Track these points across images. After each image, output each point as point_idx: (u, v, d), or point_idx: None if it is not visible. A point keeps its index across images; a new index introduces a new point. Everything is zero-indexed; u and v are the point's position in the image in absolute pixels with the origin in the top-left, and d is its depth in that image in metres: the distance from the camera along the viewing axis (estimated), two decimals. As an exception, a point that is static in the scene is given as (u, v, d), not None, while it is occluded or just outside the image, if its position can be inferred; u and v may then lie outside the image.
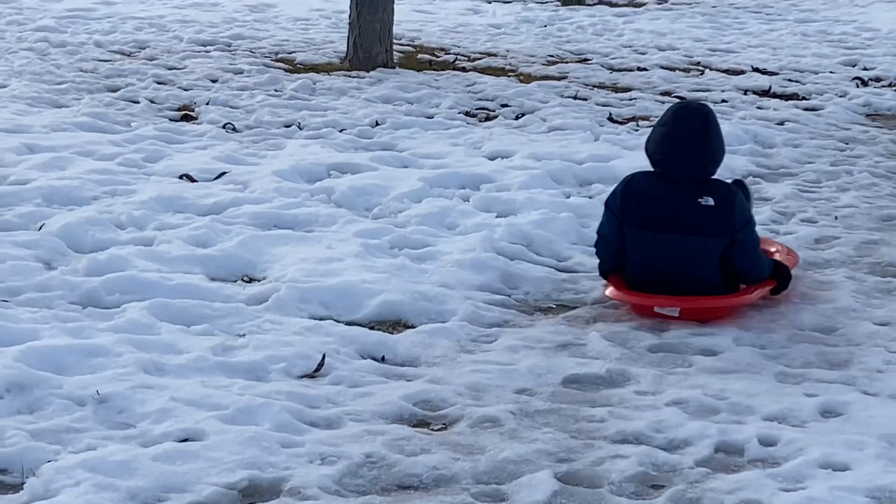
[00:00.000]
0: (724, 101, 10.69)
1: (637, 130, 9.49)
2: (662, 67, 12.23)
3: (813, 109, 10.54)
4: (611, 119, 9.95)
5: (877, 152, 9.20)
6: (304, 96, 10.33)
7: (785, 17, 15.85)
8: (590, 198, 7.61)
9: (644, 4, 17.22)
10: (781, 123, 9.95)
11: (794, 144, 9.35)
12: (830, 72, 12.16)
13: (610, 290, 5.82)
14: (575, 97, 10.71)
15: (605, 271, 5.96)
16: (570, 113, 10.00)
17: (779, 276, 5.94)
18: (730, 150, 8.88)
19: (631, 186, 5.90)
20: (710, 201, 5.75)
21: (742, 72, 12.14)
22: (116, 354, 4.93)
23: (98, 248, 6.21)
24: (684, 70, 12.22)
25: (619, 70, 12.13)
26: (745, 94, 11.11)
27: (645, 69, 12.12)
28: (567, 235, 6.85)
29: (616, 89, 11.19)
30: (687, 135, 5.79)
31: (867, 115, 10.53)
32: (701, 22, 15.30)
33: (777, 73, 12.08)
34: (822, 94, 11.14)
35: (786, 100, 10.95)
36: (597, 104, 10.50)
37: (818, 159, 8.95)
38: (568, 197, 7.62)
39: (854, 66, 12.46)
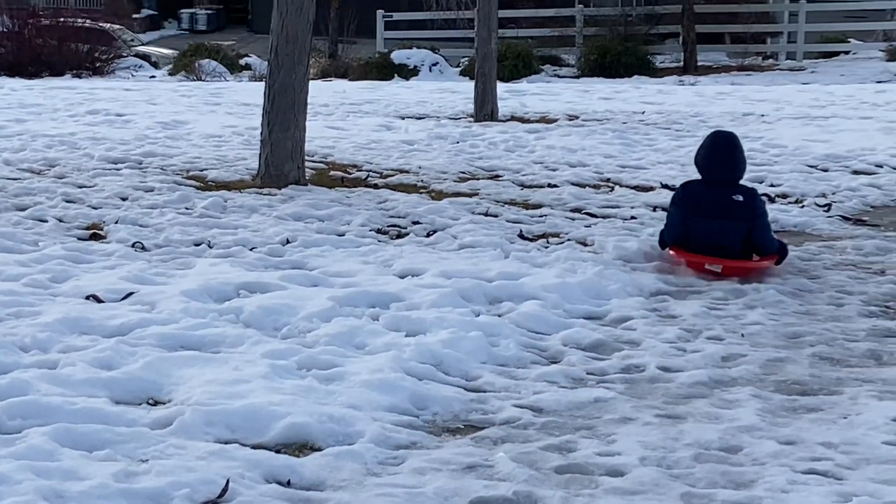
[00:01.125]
0: (633, 217, 10.81)
1: (547, 248, 9.55)
2: (573, 184, 12.35)
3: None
4: (521, 236, 10.01)
5: (784, 270, 9.31)
6: (214, 214, 10.32)
7: (694, 134, 16.05)
8: (499, 316, 7.63)
9: (556, 121, 17.43)
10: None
11: (701, 261, 9.44)
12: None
13: (676, 255, 9.04)
14: (486, 214, 10.79)
15: (667, 244, 9.15)
16: (480, 230, 10.06)
17: (782, 252, 9.16)
18: (637, 266, 9.05)
19: (688, 189, 9.17)
20: (740, 198, 8.98)
21: (651, 188, 12.29)
22: (16, 482, 4.84)
23: (0, 372, 6.13)
24: (594, 186, 12.35)
25: (530, 186, 12.24)
26: (654, 210, 11.23)
27: (555, 186, 12.24)
28: (476, 355, 6.85)
29: (527, 206, 11.28)
30: (724, 150, 9.07)
31: (774, 232, 10.64)
32: (611, 138, 15.49)
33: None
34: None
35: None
36: (507, 221, 10.57)
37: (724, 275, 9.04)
38: (477, 315, 7.63)
39: (762, 183, 12.62)
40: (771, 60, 38.43)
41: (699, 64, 36.38)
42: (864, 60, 36.75)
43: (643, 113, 18.07)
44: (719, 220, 8.95)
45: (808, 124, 16.94)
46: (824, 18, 41.30)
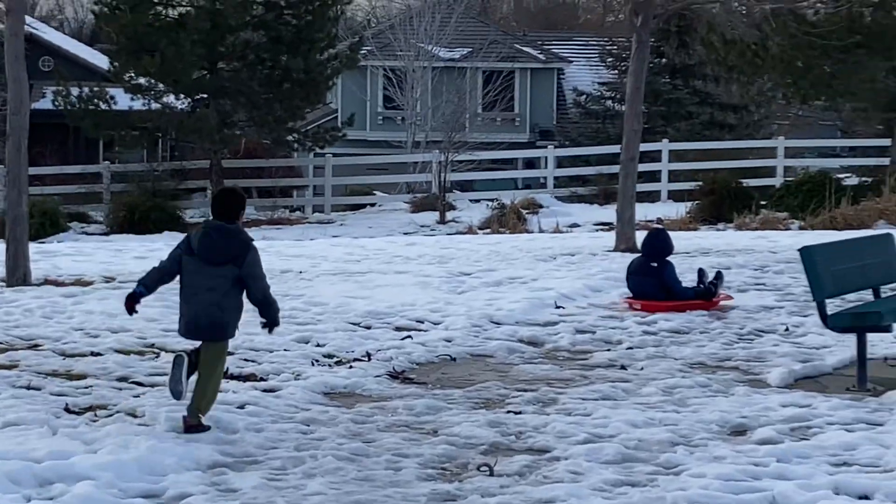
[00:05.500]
0: (182, 385, 10.55)
1: (96, 421, 9.19)
2: (117, 351, 11.99)
3: (272, 391, 10.57)
4: (68, 410, 9.60)
5: (339, 433, 9.29)
6: None
7: (234, 293, 15.94)
8: (50, 500, 7.22)
9: (92, 283, 16.97)
10: (242, 407, 9.89)
11: (256, 429, 9.30)
12: (285, 349, 12.25)
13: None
14: (28, 387, 10.30)
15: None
16: (24, 405, 9.58)
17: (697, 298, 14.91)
18: (192, 437, 8.81)
19: (632, 263, 15.33)
20: (655, 265, 14.91)
21: (198, 353, 12.06)
22: None
23: None
24: (139, 353, 12.03)
25: (73, 355, 11.80)
26: (203, 376, 11.01)
27: (99, 354, 11.85)
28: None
29: (71, 377, 10.86)
30: (650, 236, 15.50)
31: (325, 395, 10.64)
32: (151, 300, 15.04)
33: (233, 353, 12.03)
34: (280, 374, 11.20)
35: (244, 381, 10.93)
36: (52, 394, 10.13)
37: (282, 444, 8.93)
38: (28, 501, 7.20)
39: (307, 343, 12.62)
40: (299, 213, 39.08)
41: (230, 218, 36.48)
42: (390, 212, 37.91)
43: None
44: (645, 277, 15.12)
45: (346, 280, 17.14)
46: (349, 172, 42.49)
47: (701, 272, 15.46)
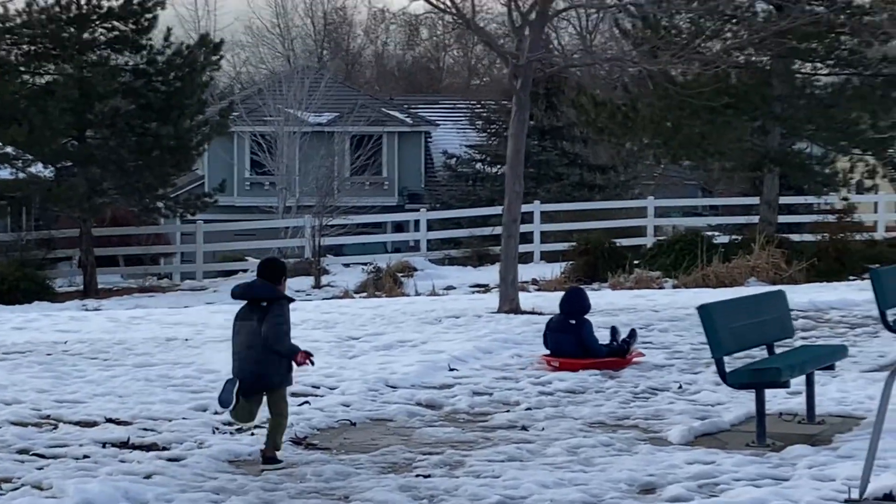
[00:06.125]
0: (86, 456, 10.38)
1: (3, 495, 8.99)
2: (13, 423, 11.75)
3: (176, 460, 10.43)
4: (-30, 485, 9.39)
5: (250, 502, 9.19)
6: None
7: (122, 362, 15.74)
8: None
9: (-25, 352, 16.65)
10: (149, 477, 9.74)
11: (166, 499, 9.16)
12: (184, 418, 12.12)
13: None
14: (-75, 463, 10.05)
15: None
16: (-75, 482, 9.35)
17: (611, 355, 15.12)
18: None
19: (550, 321, 15.68)
20: (574, 322, 15.21)
21: (96, 423, 11.87)
22: None
23: None
24: (36, 425, 11.80)
25: (-33, 429, 11.54)
26: (105, 447, 10.84)
27: (-4, 426, 11.61)
28: None
29: (-32, 451, 10.61)
30: (568, 295, 15.89)
31: (230, 462, 10.53)
32: (40, 371, 14.88)
33: (132, 423, 11.89)
34: (182, 443, 11.06)
35: (147, 451, 10.77)
36: (-49, 469, 9.89)
37: (195, 514, 8.81)
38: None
39: (205, 411, 12.48)
40: (168, 281, 38.71)
41: (100, 287, 36.12)
42: (263, 278, 37.58)
43: (66, 343, 17.57)
44: (563, 335, 15.47)
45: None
46: (220, 238, 42.23)
47: (614, 330, 15.75)
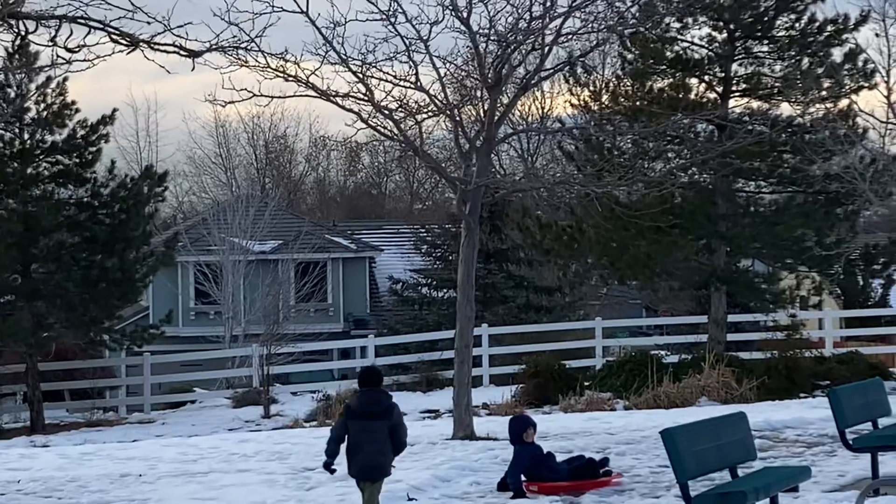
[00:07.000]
0: None
1: None
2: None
3: None
4: None
5: None
6: None
7: (78, 501, 15.52)
8: None
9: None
10: None
11: None
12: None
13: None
14: None
15: None
16: None
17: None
18: None
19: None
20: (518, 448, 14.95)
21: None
22: None
23: None
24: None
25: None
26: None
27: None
28: None
29: None
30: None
31: None
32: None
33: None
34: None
35: None
36: None
37: None
38: None
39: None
40: (114, 414, 38.29)
41: (47, 422, 35.69)
42: (212, 409, 37.36)
43: (19, 482, 17.31)
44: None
45: (189, 481, 16.81)
46: (166, 369, 41.88)
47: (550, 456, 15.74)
